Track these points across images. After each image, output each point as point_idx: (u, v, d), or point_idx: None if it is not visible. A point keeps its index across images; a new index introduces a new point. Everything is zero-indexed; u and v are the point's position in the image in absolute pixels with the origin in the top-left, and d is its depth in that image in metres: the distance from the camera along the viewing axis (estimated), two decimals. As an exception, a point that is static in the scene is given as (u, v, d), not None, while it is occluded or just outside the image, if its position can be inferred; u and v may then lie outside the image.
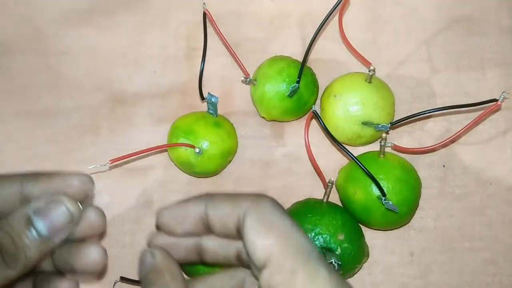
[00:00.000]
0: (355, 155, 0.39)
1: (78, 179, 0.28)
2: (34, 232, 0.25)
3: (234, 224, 0.26)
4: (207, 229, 0.27)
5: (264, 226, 0.25)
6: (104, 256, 0.28)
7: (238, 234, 0.26)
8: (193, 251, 0.28)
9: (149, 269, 0.26)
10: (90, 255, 0.28)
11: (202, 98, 0.44)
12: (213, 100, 0.42)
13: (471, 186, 0.44)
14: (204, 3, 0.46)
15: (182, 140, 0.41)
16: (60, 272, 0.29)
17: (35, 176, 0.28)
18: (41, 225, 0.26)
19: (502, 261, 0.42)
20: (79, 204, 0.27)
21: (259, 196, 0.26)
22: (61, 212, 0.26)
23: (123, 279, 0.41)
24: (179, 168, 0.44)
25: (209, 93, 0.42)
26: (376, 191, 0.38)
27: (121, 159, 0.39)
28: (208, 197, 0.27)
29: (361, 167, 0.38)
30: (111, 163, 0.38)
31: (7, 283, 0.25)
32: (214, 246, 0.28)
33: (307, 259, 0.24)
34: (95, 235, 0.29)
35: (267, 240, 0.24)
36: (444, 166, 0.44)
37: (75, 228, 0.27)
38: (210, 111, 0.43)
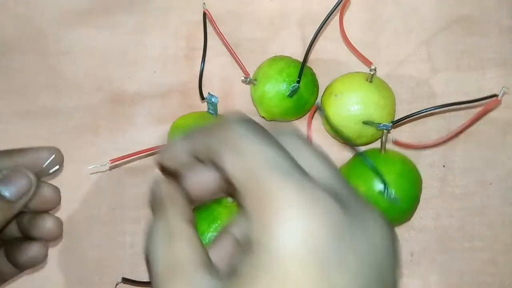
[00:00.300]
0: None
1: (48, 151, 0.34)
2: None
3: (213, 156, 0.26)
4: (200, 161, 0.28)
5: (231, 152, 0.24)
6: (58, 225, 0.34)
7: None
8: (221, 183, 0.28)
9: (154, 199, 0.28)
10: (46, 224, 0.34)
11: (202, 98, 0.44)
12: (213, 100, 0.42)
13: (471, 186, 0.44)
14: (204, 3, 0.46)
15: (182, 140, 0.41)
16: (29, 238, 0.34)
17: (8, 152, 0.34)
18: (3, 188, 0.30)
19: (502, 261, 0.42)
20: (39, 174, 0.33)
21: (227, 121, 0.26)
22: (22, 179, 0.31)
23: (125, 280, 0.41)
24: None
25: (209, 93, 0.42)
26: (377, 187, 0.39)
27: (121, 159, 0.39)
28: (188, 134, 0.28)
29: (362, 158, 0.38)
30: (111, 163, 0.38)
31: None
32: None
33: (272, 175, 0.23)
34: (52, 208, 0.34)
35: (234, 165, 0.24)
36: (444, 166, 0.44)
37: (34, 193, 0.32)
38: (210, 111, 0.43)
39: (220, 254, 0.28)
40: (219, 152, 0.25)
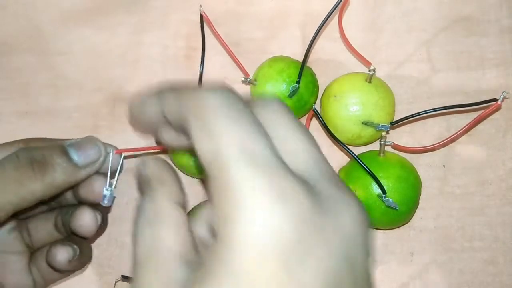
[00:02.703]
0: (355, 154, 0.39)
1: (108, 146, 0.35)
2: (65, 157, 0.31)
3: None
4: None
5: (199, 129, 0.22)
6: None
7: None
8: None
9: (142, 179, 0.26)
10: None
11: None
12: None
13: (471, 186, 0.44)
14: (200, 6, 0.46)
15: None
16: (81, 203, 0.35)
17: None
18: (73, 152, 0.31)
19: (502, 261, 0.42)
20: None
21: (202, 88, 0.23)
22: (93, 147, 0.32)
23: (124, 278, 0.41)
24: (179, 169, 0.44)
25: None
26: (376, 190, 0.39)
27: (125, 151, 0.38)
28: (161, 91, 0.25)
29: (360, 163, 0.38)
30: (116, 152, 0.37)
31: (32, 198, 0.29)
32: None
33: (237, 163, 0.20)
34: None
35: (202, 144, 0.22)
36: (444, 166, 0.44)
37: (98, 168, 0.32)
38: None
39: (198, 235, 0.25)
40: (189, 123, 0.22)
